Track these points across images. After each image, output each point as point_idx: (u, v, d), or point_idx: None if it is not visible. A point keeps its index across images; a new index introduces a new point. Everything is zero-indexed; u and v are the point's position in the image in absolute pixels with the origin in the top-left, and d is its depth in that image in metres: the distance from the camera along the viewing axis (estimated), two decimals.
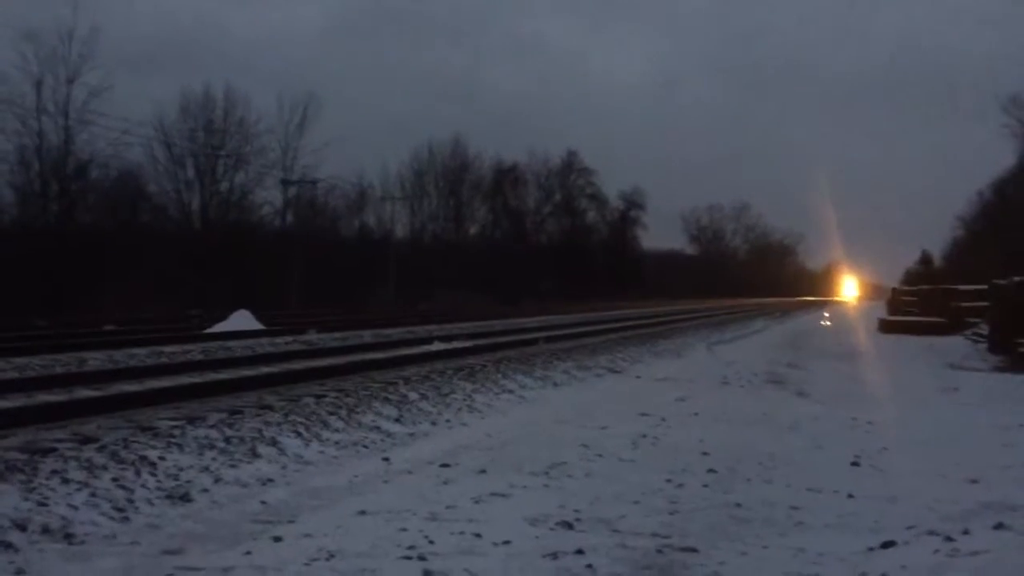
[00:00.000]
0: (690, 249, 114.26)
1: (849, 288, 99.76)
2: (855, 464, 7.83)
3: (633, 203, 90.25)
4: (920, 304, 37.89)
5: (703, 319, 41.32)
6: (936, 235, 77.87)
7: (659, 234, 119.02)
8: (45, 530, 5.27)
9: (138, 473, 6.48)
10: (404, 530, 5.41)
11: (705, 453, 8.26)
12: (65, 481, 6.04)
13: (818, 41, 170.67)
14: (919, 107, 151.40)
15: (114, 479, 6.26)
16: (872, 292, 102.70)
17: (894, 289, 49.24)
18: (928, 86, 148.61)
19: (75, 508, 5.65)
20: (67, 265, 36.42)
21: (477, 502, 6.18)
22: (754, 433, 9.70)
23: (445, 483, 6.85)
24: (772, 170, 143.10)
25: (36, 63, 37.86)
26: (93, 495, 5.90)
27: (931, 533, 5.20)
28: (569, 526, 5.59)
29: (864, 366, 20.42)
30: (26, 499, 5.61)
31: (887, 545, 4.99)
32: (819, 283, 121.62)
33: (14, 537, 5.10)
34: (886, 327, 35.16)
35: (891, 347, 26.43)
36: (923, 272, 65.14)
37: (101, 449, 6.86)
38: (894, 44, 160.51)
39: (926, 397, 14.11)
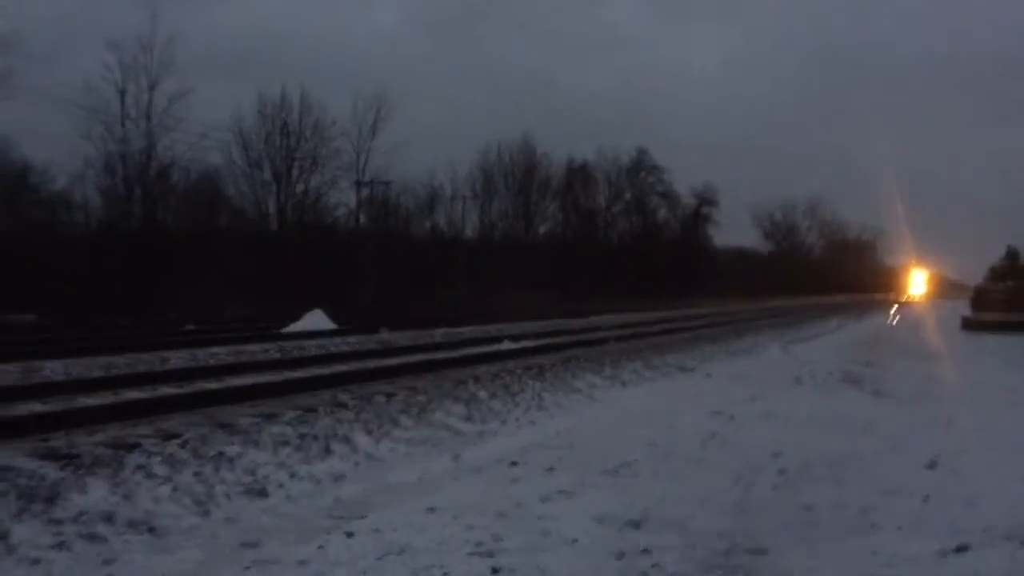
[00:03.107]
0: (763, 246, 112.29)
1: (919, 284, 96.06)
2: (932, 466, 7.64)
3: (705, 200, 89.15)
4: (1006, 301, 36.60)
5: (777, 317, 40.66)
6: None
7: (732, 230, 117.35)
8: (131, 523, 5.51)
9: (217, 468, 6.72)
10: (472, 527, 5.50)
11: (776, 453, 8.16)
12: (149, 476, 6.29)
13: (903, 29, 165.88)
14: (1007, 98, 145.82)
15: (195, 474, 6.50)
16: (953, 289, 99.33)
17: (978, 286, 47.53)
18: (1015, 77, 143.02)
19: (158, 502, 5.89)
20: (150, 266, 37.67)
21: (545, 500, 6.24)
22: (827, 433, 9.53)
23: (514, 481, 6.92)
24: (851, 164, 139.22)
25: (119, 72, 39.23)
26: (175, 489, 6.14)
27: (1008, 538, 5.07)
28: (636, 525, 5.61)
29: (945, 365, 19.84)
30: (113, 493, 5.87)
31: (961, 549, 4.88)
32: (899, 280, 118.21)
33: (102, 529, 5.35)
34: (969, 325, 34.15)
35: (974, 345, 25.62)
36: (1009, 268, 62.75)
37: (183, 445, 7.12)
38: (983, 32, 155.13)
39: (1011, 398, 13.63)
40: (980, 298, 42.10)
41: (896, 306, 66.01)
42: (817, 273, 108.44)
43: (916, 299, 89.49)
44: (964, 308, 42.01)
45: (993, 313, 35.48)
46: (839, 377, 15.72)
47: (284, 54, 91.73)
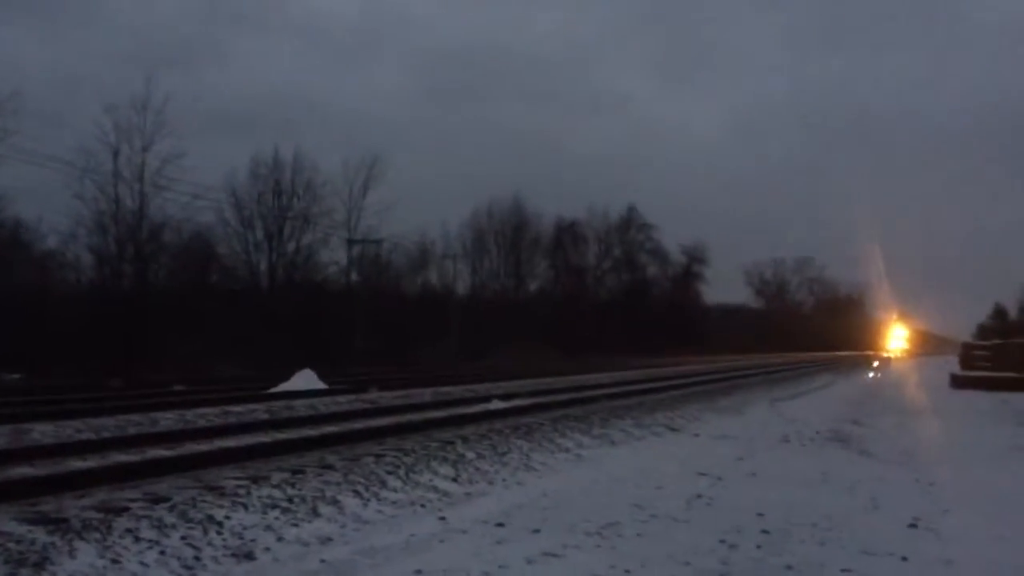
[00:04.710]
0: (754, 303, 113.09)
1: (904, 341, 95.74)
2: (912, 526, 7.75)
3: (695, 258, 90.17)
4: (993, 359, 36.83)
5: (766, 375, 40.77)
6: (1011, 288, 75.86)
7: (723, 287, 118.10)
8: None
9: (205, 532, 6.77)
10: None
11: (760, 514, 8.24)
12: (137, 539, 6.35)
13: (892, 96, 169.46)
14: (991, 159, 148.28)
15: (183, 537, 6.56)
16: (943, 345, 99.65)
17: (966, 343, 47.88)
18: (999, 138, 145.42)
19: (146, 566, 5.94)
20: (141, 325, 37.69)
21: (530, 562, 6.31)
22: (812, 494, 9.63)
23: (499, 543, 6.98)
24: (840, 222, 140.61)
25: (114, 134, 39.64)
26: (163, 553, 6.20)
27: None
28: None
29: (932, 424, 19.93)
30: (102, 557, 5.92)
31: None
32: (887, 336, 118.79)
33: None
34: (958, 382, 34.28)
35: (962, 403, 25.72)
36: (997, 326, 63.24)
37: (171, 509, 7.18)
38: (967, 97, 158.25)
39: (996, 456, 13.74)
40: (968, 355, 42.35)
41: (883, 362, 66.22)
42: (807, 330, 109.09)
43: (902, 355, 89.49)
44: (953, 364, 42.21)
45: (981, 371, 35.66)
46: (826, 436, 15.82)
47: (278, 115, 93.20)
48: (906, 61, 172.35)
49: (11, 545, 5.89)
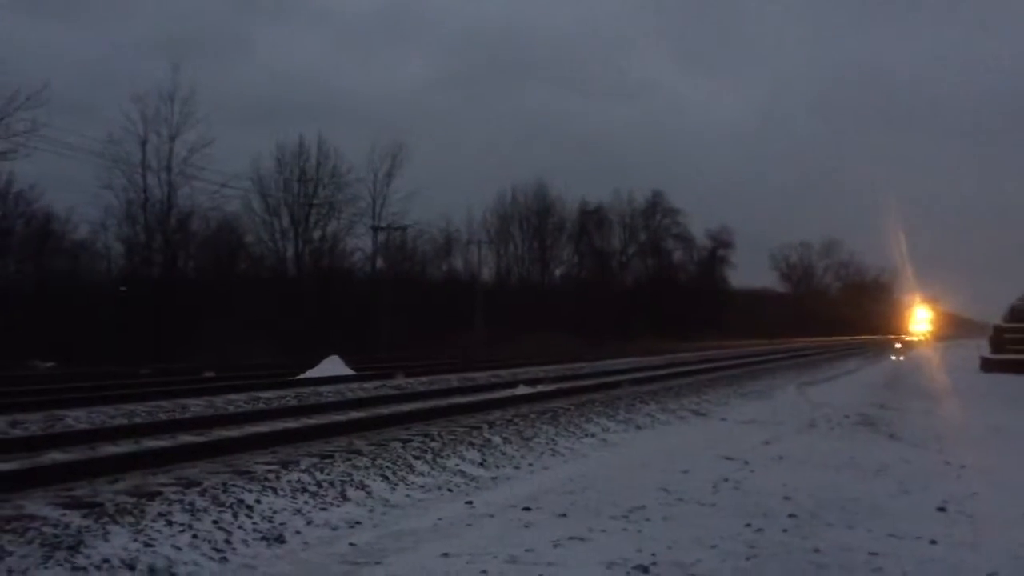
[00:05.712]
0: (780, 287, 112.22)
1: (926, 324, 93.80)
2: (941, 510, 7.70)
3: (721, 242, 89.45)
4: None
5: (793, 359, 40.54)
6: None
7: (749, 271, 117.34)
8: (152, 570, 5.65)
9: (236, 515, 6.86)
10: (484, 572, 5.62)
11: (787, 498, 8.22)
12: (169, 523, 6.45)
13: (922, 72, 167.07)
14: (1021, 139, 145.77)
15: (214, 521, 6.65)
16: (972, 329, 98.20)
17: (997, 326, 47.18)
18: None
19: (179, 549, 6.03)
20: (170, 313, 38.12)
21: (556, 546, 6.34)
22: (840, 477, 9.58)
23: (526, 526, 7.02)
24: (868, 205, 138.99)
25: (141, 124, 40.04)
26: (195, 536, 6.29)
27: None
28: (645, 570, 5.70)
29: (962, 407, 19.75)
30: (135, 540, 6.02)
31: None
32: (915, 320, 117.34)
33: None
34: (988, 366, 33.91)
35: (992, 387, 25.46)
36: None
37: (203, 493, 7.28)
38: (996, 78, 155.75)
39: None
40: (999, 338, 41.79)
41: (911, 346, 65.53)
42: (833, 314, 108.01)
43: (930, 338, 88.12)
44: (983, 347, 41.71)
45: (1013, 353, 35.22)
46: (855, 420, 15.71)
47: (303, 103, 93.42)
48: (934, 42, 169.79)
49: (47, 529, 6.01)
